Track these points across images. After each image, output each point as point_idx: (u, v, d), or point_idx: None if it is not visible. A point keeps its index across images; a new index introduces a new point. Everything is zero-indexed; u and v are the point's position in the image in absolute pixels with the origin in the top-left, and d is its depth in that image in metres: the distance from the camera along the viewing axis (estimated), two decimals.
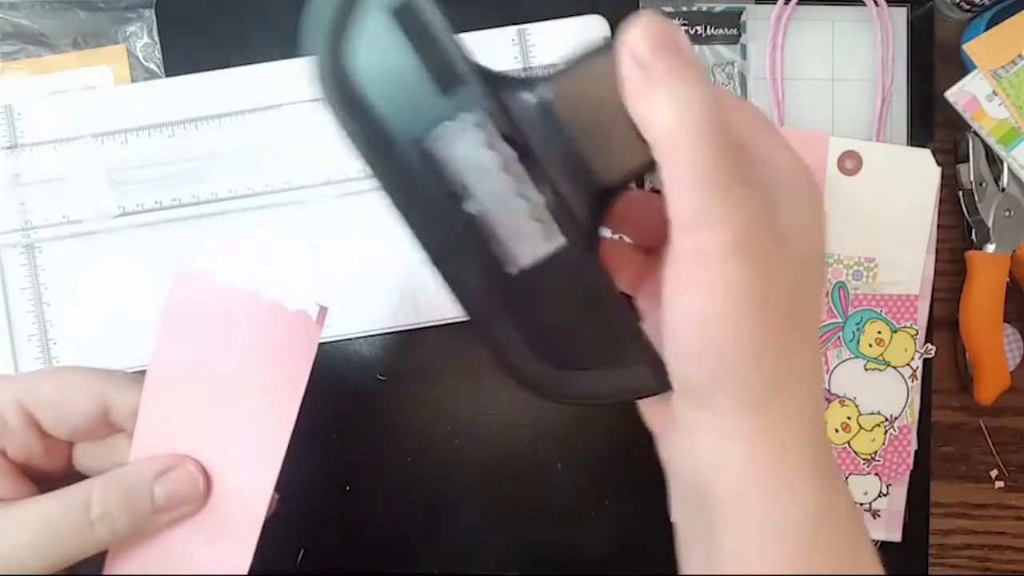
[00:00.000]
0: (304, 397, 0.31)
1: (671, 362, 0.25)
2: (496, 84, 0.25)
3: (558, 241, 0.25)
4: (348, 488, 0.46)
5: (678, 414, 0.26)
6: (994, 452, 0.49)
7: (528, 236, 0.25)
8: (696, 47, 0.47)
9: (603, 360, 0.26)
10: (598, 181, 0.25)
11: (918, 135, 0.48)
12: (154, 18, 0.46)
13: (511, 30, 0.46)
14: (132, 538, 0.30)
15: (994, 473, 0.49)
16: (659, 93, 0.23)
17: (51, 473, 0.32)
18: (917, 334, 0.47)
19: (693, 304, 0.23)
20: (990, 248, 0.47)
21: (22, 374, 0.31)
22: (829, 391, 0.46)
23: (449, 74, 0.25)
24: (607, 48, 0.24)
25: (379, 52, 0.26)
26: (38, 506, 0.29)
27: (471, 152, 0.25)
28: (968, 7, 0.48)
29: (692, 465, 0.25)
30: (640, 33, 0.23)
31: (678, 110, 0.22)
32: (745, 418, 0.24)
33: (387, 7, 0.25)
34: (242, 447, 0.32)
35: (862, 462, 0.46)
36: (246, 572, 0.31)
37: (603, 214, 0.26)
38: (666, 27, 0.23)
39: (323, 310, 0.32)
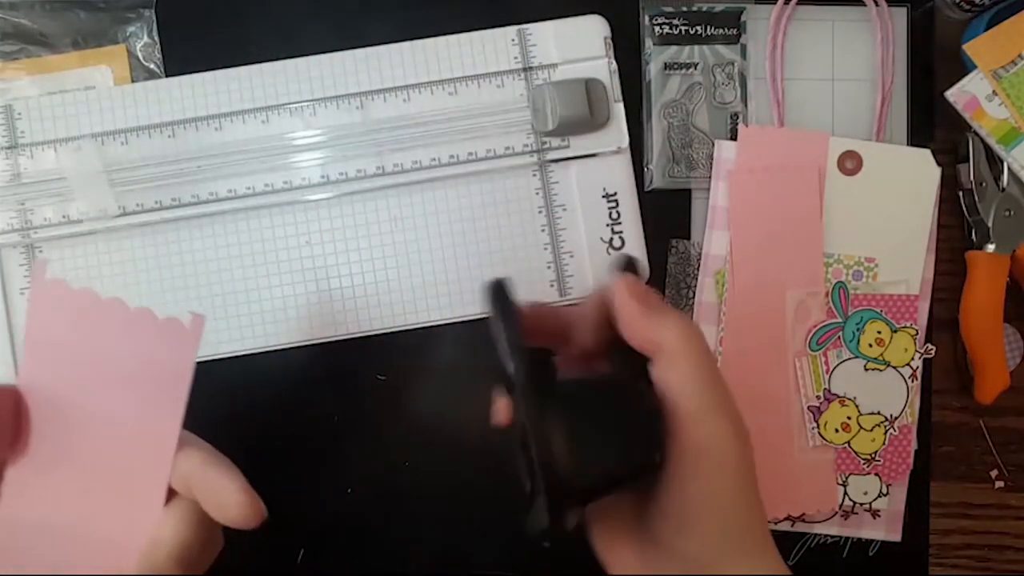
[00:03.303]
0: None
1: (676, 546, 0.30)
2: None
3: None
4: (348, 489, 0.46)
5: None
6: (994, 452, 0.49)
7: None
8: (696, 47, 0.47)
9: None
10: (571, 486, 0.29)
11: (918, 135, 0.48)
12: (154, 18, 0.46)
13: (511, 30, 0.46)
14: None
15: (994, 473, 0.50)
16: (662, 316, 0.31)
17: None
18: (917, 334, 0.47)
19: (707, 476, 0.29)
20: (990, 248, 0.47)
21: None
22: (829, 391, 0.46)
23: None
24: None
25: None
26: None
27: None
28: (968, 7, 0.48)
29: None
30: (631, 279, 0.32)
31: (681, 327, 0.31)
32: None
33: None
34: (127, 439, 0.32)
35: (862, 462, 0.46)
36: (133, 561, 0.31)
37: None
38: (638, 283, 0.33)
39: (197, 318, 0.32)
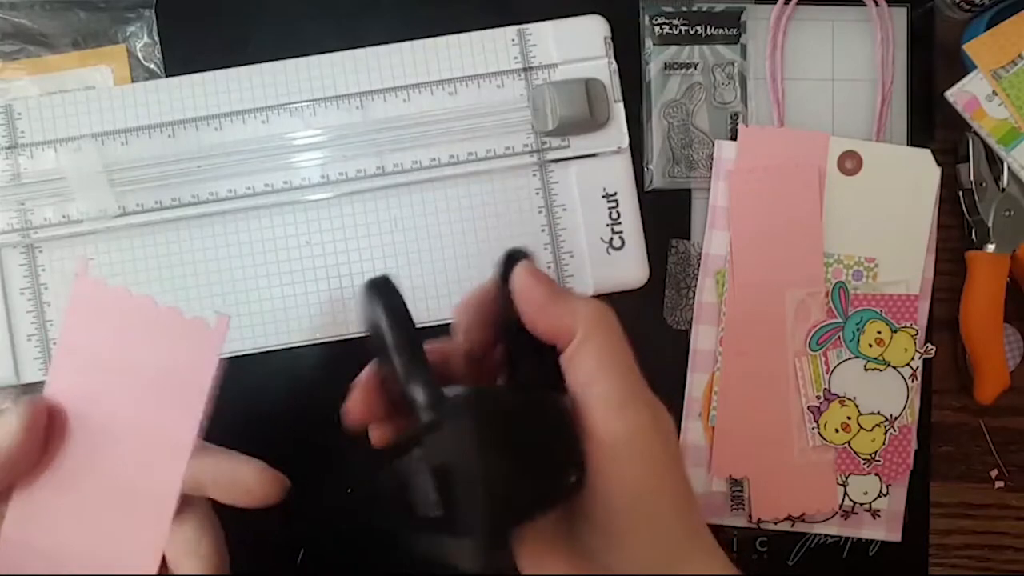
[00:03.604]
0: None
1: (611, 562, 0.27)
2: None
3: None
4: (348, 489, 0.46)
5: None
6: (994, 452, 0.49)
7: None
8: (696, 47, 0.47)
9: None
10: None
11: (918, 135, 0.48)
12: (154, 18, 0.46)
13: (511, 30, 0.46)
14: None
15: (994, 473, 0.50)
16: (571, 298, 0.29)
17: None
18: (917, 334, 0.47)
19: (630, 476, 0.26)
20: (990, 248, 0.47)
21: None
22: (829, 391, 0.46)
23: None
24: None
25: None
26: None
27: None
28: (968, 7, 0.48)
29: None
30: (530, 265, 0.30)
31: (592, 308, 0.28)
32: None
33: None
34: (144, 450, 0.31)
35: (862, 462, 0.46)
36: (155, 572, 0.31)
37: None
38: (536, 270, 0.30)
39: (222, 319, 0.31)
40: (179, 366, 0.31)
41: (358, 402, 0.31)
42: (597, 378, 0.27)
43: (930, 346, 0.47)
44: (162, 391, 0.31)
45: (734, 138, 0.47)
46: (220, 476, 0.32)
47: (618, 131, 0.46)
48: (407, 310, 0.29)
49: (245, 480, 0.32)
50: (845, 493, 0.47)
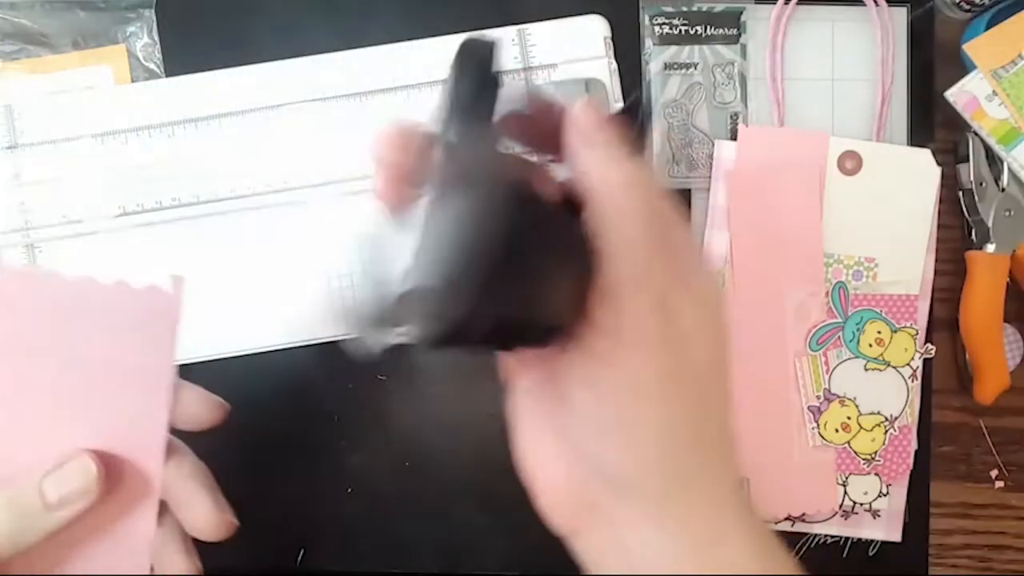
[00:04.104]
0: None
1: (592, 454, 0.24)
2: None
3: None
4: (348, 489, 0.46)
5: (603, 510, 0.25)
6: (994, 452, 0.49)
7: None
8: (696, 47, 0.47)
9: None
10: None
11: (918, 135, 0.48)
12: (154, 18, 0.46)
13: (511, 30, 0.46)
14: (27, 539, 0.29)
15: (994, 473, 0.49)
16: (592, 151, 0.25)
17: None
18: (917, 334, 0.47)
19: (607, 394, 0.23)
20: (990, 248, 0.47)
21: None
22: (829, 391, 0.46)
23: None
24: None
25: None
26: None
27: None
28: (968, 7, 0.48)
29: (626, 562, 0.25)
30: (589, 104, 0.26)
31: (625, 172, 0.24)
32: (671, 502, 0.24)
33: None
34: (117, 433, 0.31)
35: (862, 462, 0.46)
36: (147, 561, 0.31)
37: None
38: (598, 109, 0.26)
39: (178, 280, 0.30)
40: (138, 336, 0.30)
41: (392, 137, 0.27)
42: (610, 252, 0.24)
43: (930, 346, 0.47)
44: (124, 367, 0.30)
45: (734, 138, 0.47)
46: (182, 496, 0.32)
47: None
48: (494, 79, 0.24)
49: (198, 513, 0.32)
50: (845, 493, 0.47)
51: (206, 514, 0.32)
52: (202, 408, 0.32)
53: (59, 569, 0.31)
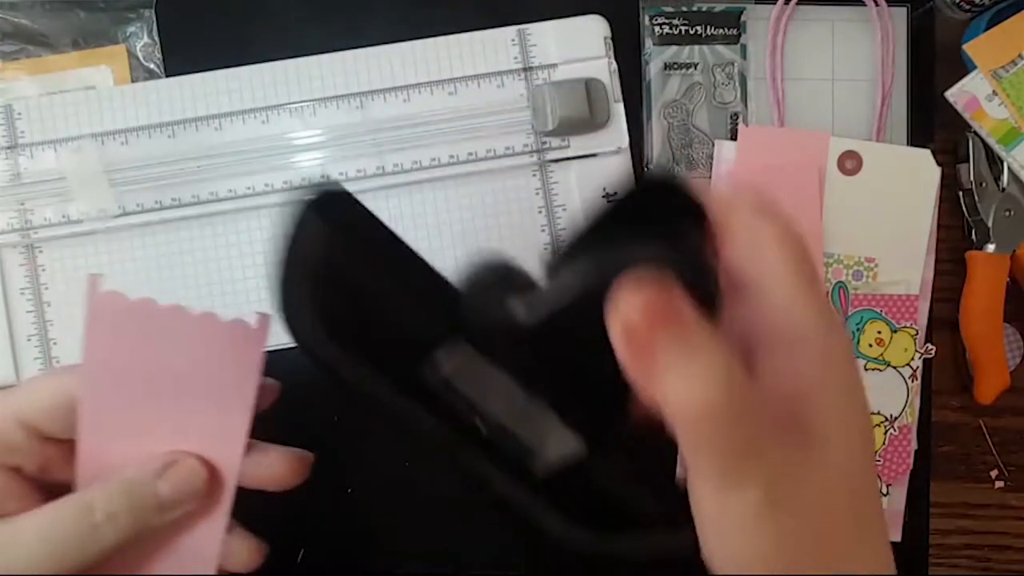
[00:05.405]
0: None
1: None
2: (468, 299, 0.24)
3: (576, 443, 0.24)
4: (349, 489, 0.46)
5: None
6: (994, 452, 0.49)
7: (551, 438, 0.24)
8: (696, 47, 0.47)
9: (651, 524, 0.26)
10: (601, 398, 0.23)
11: (918, 135, 0.48)
12: (154, 18, 0.46)
13: (511, 30, 0.46)
14: (139, 537, 0.30)
15: (994, 473, 0.49)
16: (663, 373, 0.20)
17: None
18: (917, 334, 0.47)
19: (727, 555, 0.22)
20: (990, 248, 0.47)
21: (11, 390, 0.31)
22: None
23: (422, 295, 0.24)
24: (598, 279, 0.21)
25: (350, 297, 0.25)
26: (42, 514, 0.29)
27: (478, 375, 0.24)
28: (968, 7, 0.48)
29: None
30: (632, 302, 0.20)
31: (687, 391, 0.20)
32: None
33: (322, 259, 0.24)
34: (202, 446, 0.31)
35: None
36: (215, 565, 0.31)
37: (620, 413, 0.24)
38: (659, 291, 0.20)
39: (264, 318, 0.31)
40: (221, 369, 0.30)
41: None
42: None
43: (930, 346, 0.47)
44: (205, 397, 0.31)
45: (734, 138, 0.47)
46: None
47: (618, 131, 0.46)
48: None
49: (271, 464, 0.32)
50: None
51: (279, 461, 0.32)
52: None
53: (132, 571, 0.31)
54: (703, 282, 0.21)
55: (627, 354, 0.21)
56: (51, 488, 0.31)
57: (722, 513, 0.22)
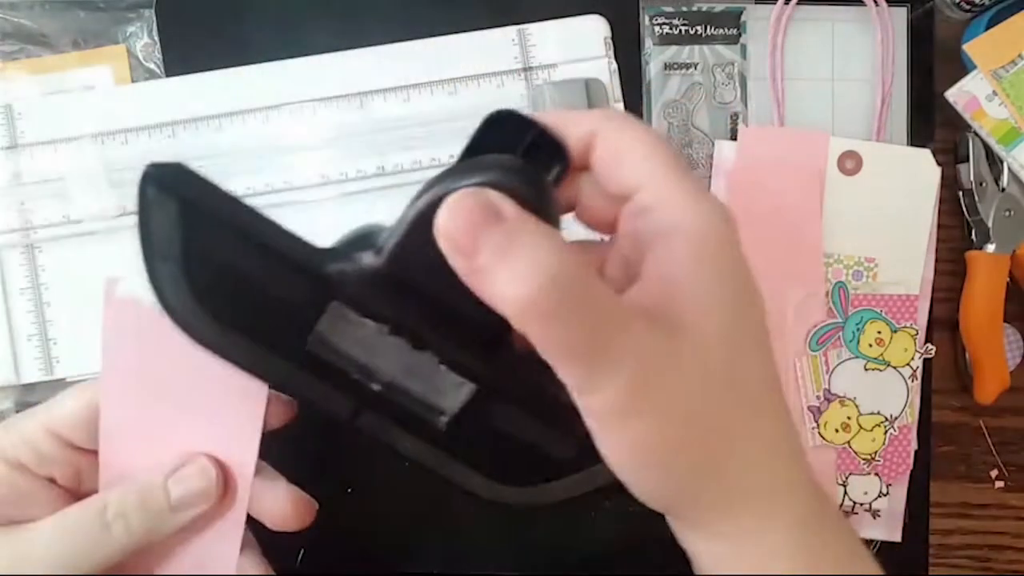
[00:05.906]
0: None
1: (627, 483, 0.24)
2: (333, 260, 0.25)
3: (469, 387, 0.25)
4: (349, 489, 0.46)
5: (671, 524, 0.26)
6: (994, 452, 0.49)
7: (444, 387, 0.25)
8: (696, 47, 0.47)
9: (563, 471, 0.27)
10: (476, 333, 0.24)
11: (918, 135, 0.48)
12: (154, 18, 0.46)
13: (511, 30, 0.46)
14: (150, 539, 0.30)
15: (994, 473, 0.49)
16: (491, 278, 0.20)
17: None
18: (917, 334, 0.47)
19: (614, 451, 0.23)
20: (990, 248, 0.47)
21: (46, 402, 0.32)
22: (829, 391, 0.46)
23: (294, 264, 0.25)
24: (431, 208, 0.22)
25: (220, 273, 0.25)
26: (60, 515, 0.30)
27: (357, 334, 0.25)
28: (968, 7, 0.48)
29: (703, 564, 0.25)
30: (449, 217, 0.21)
31: (511, 288, 0.20)
32: (721, 523, 0.24)
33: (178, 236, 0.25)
34: (217, 447, 0.31)
35: (862, 462, 0.46)
36: (233, 568, 0.31)
37: (502, 347, 0.25)
38: (475, 196, 0.21)
39: None
40: (233, 374, 0.31)
41: None
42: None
43: (930, 346, 0.47)
44: (218, 403, 0.31)
45: (734, 138, 0.47)
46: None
47: None
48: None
49: (277, 499, 0.32)
50: (845, 493, 0.47)
51: (285, 498, 0.32)
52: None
53: (150, 571, 0.31)
54: (536, 197, 0.22)
55: (459, 265, 0.21)
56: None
57: (587, 416, 0.22)
